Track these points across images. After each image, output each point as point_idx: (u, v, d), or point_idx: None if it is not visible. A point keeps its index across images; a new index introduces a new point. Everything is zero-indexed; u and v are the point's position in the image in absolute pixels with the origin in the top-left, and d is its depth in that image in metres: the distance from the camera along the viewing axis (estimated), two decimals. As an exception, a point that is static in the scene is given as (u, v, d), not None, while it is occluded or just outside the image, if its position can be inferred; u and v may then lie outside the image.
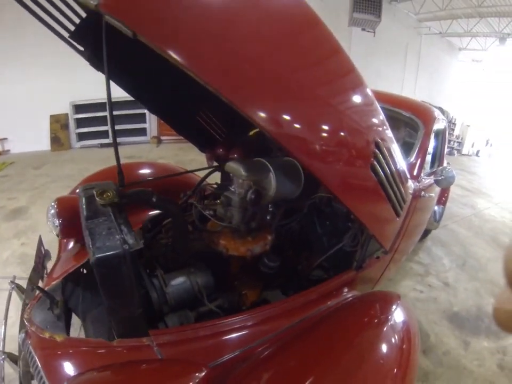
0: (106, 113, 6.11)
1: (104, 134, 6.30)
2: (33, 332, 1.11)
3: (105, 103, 6.06)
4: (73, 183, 4.67)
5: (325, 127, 0.90)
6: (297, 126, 0.84)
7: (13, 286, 1.59)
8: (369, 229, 1.18)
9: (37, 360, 1.02)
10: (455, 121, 12.86)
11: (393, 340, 1.01)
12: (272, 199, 1.19)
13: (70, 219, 1.59)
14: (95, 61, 1.25)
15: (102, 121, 6.19)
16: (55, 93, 5.92)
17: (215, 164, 1.92)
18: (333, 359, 0.93)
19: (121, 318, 0.99)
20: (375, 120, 1.08)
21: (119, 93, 5.76)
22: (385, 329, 1.01)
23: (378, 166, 1.06)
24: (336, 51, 0.97)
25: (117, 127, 6.35)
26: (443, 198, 3.37)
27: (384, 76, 8.87)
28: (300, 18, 0.91)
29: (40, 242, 1.80)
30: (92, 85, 5.97)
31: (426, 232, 3.55)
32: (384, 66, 9.07)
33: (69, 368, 0.99)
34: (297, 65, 0.88)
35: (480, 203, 6.23)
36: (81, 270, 1.46)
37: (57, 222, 1.58)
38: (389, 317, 1.06)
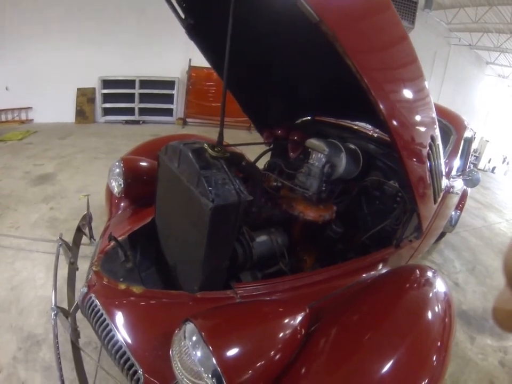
0: (134, 91, 6.32)
1: (129, 111, 6.50)
2: (104, 285, 1.14)
3: (133, 80, 6.25)
4: (101, 154, 4.93)
5: (411, 117, 1.11)
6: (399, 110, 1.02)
7: (61, 243, 1.57)
8: (418, 207, 1.37)
9: (105, 313, 1.07)
10: (475, 134, 12.84)
11: (437, 307, 1.14)
12: (340, 175, 1.42)
13: (134, 179, 1.73)
14: (192, 31, 1.39)
15: (128, 98, 6.38)
16: (83, 67, 6.09)
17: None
18: (388, 316, 1.06)
19: (210, 269, 1.09)
20: (432, 116, 1.25)
21: (149, 72, 5.99)
22: (430, 295, 1.18)
23: (431, 156, 1.25)
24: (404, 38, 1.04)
25: (144, 105, 6.57)
26: (460, 205, 3.56)
27: (409, 81, 8.99)
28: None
29: (88, 204, 1.88)
30: (121, 62, 6.18)
31: (442, 235, 3.75)
32: (410, 72, 9.18)
33: (149, 319, 1.06)
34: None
35: (492, 217, 6.39)
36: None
37: (122, 181, 1.70)
38: (432, 284, 1.24)
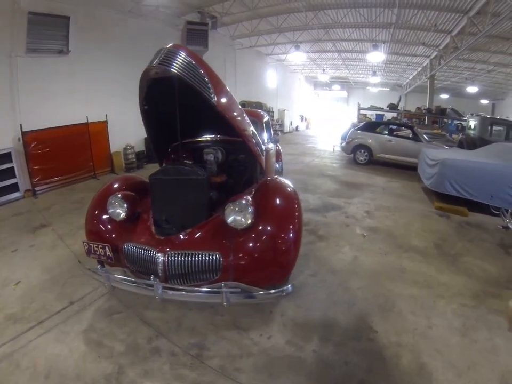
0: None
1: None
2: (170, 239, 2.30)
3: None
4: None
5: (243, 125, 2.96)
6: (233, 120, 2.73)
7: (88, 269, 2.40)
8: (258, 160, 3.33)
9: (182, 249, 2.22)
10: (272, 109, 17.32)
11: (290, 194, 2.60)
12: (220, 161, 3.18)
13: (131, 203, 2.64)
14: (144, 112, 2.76)
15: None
16: None
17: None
18: (272, 195, 2.57)
19: (207, 210, 2.56)
20: (248, 121, 3.11)
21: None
22: (288, 189, 2.77)
23: (252, 136, 3.18)
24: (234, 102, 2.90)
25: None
26: (279, 159, 6.14)
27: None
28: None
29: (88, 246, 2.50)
30: None
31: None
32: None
33: (201, 239, 2.34)
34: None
35: (307, 159, 9.70)
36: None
37: (126, 205, 2.57)
38: (288, 186, 2.85)
